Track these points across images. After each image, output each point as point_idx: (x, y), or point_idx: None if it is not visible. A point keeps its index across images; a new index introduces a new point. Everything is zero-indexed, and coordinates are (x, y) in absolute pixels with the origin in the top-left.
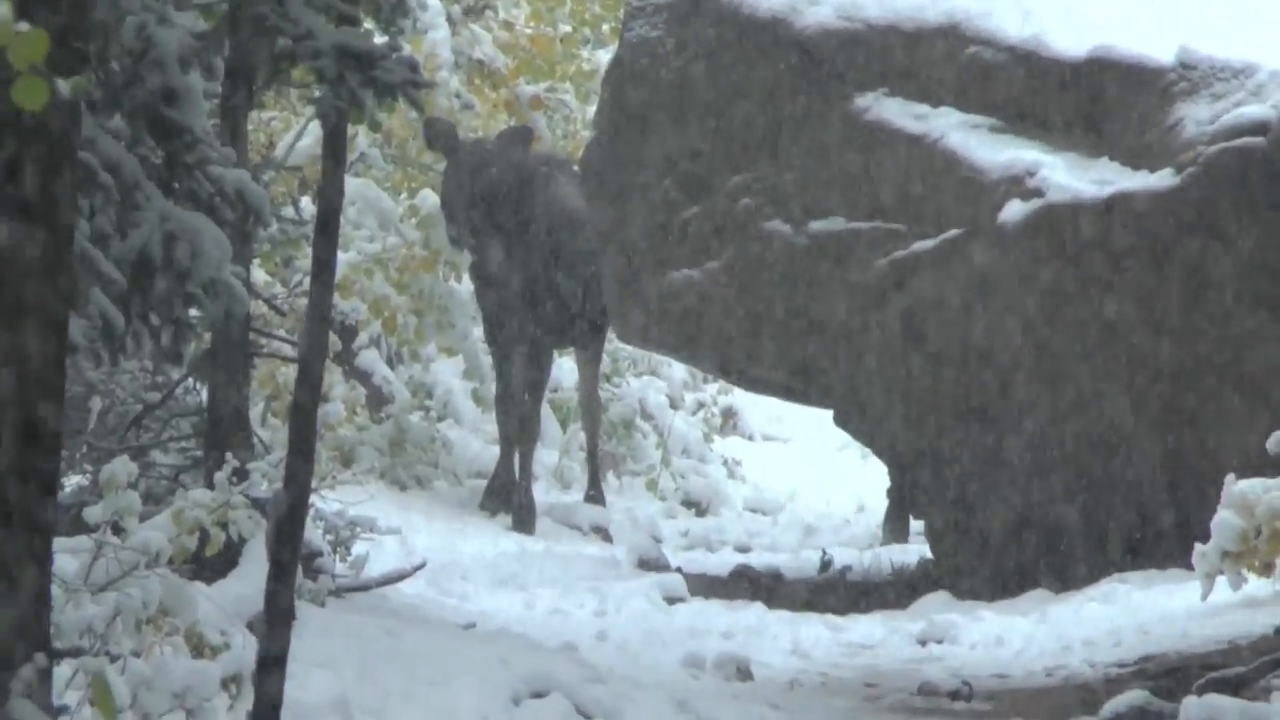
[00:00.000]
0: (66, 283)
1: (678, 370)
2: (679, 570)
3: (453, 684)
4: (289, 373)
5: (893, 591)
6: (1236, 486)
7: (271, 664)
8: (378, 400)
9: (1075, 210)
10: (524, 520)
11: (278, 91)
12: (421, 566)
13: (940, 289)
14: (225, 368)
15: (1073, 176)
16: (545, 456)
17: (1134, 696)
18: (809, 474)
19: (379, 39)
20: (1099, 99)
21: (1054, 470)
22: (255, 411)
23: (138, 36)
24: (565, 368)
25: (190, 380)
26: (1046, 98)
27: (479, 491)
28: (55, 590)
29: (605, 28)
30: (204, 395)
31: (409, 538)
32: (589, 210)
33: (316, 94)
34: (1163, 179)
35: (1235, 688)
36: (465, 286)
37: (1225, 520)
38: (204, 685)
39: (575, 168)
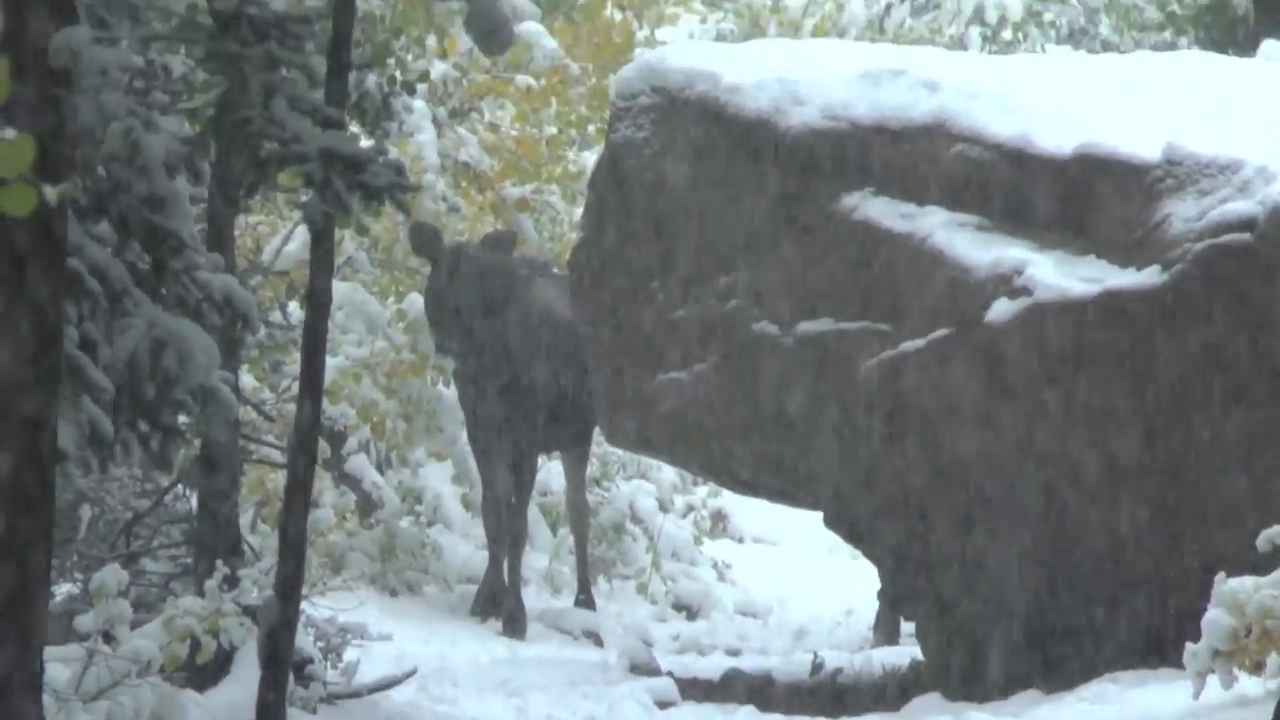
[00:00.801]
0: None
1: (667, 473)
2: (670, 674)
3: None
4: (278, 479)
5: (884, 694)
6: (1227, 585)
7: None
8: (367, 506)
9: (1063, 309)
10: (514, 625)
11: (264, 196)
12: (412, 673)
13: (928, 389)
14: (215, 475)
15: (1060, 275)
16: (535, 561)
17: None
18: (799, 576)
19: (365, 143)
20: (1086, 196)
21: (1044, 572)
22: (245, 518)
23: (124, 142)
24: (554, 471)
25: (180, 487)
26: (1033, 195)
27: (469, 597)
28: (47, 700)
29: (591, 129)
30: (193, 502)
31: (400, 644)
32: (576, 312)
33: (303, 198)
34: (1150, 276)
35: None
36: (453, 391)
37: (1216, 619)
38: None
39: (556, 270)
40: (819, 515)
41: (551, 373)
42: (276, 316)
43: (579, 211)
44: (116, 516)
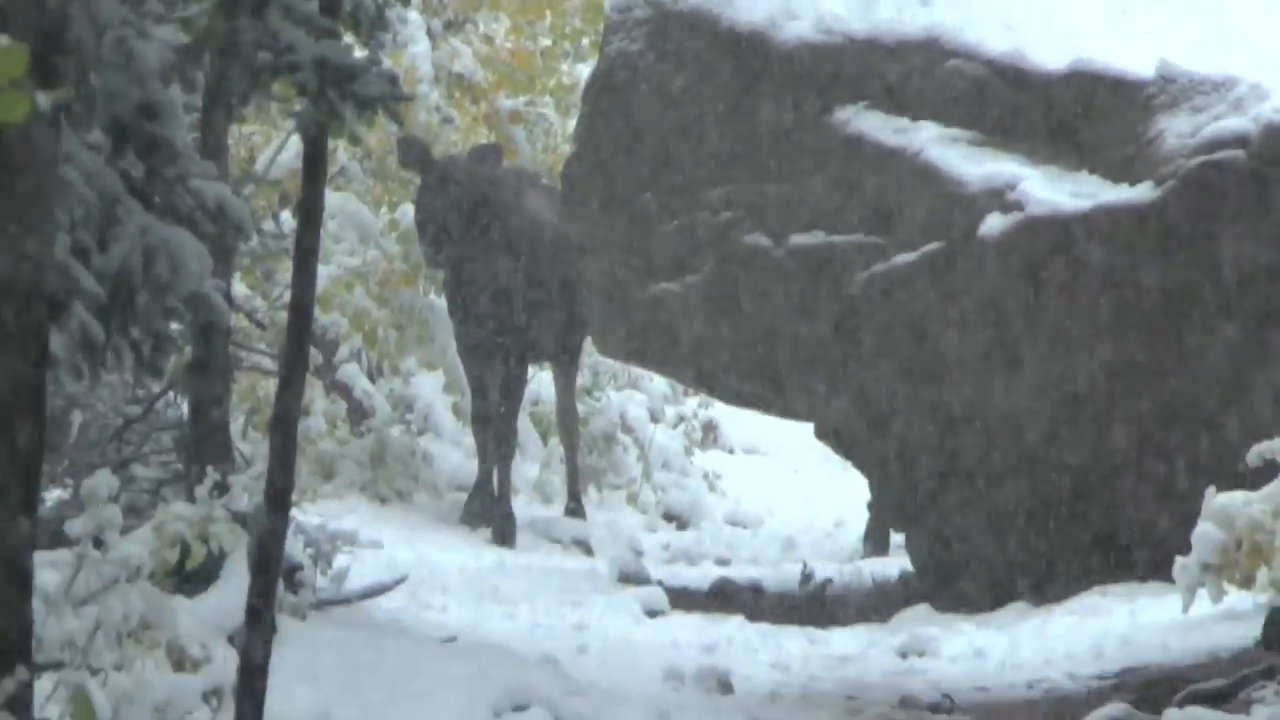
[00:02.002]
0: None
1: (658, 384)
2: (660, 584)
3: (434, 697)
4: (269, 386)
5: (873, 605)
6: (1217, 499)
7: (253, 677)
8: (358, 414)
9: (1055, 223)
10: (504, 534)
11: (258, 106)
12: (402, 580)
13: (920, 302)
14: (206, 381)
15: (1053, 190)
16: (525, 470)
17: (1115, 709)
18: (790, 487)
19: (359, 53)
20: (1079, 112)
21: (1035, 483)
22: (236, 425)
23: (117, 50)
24: (544, 381)
25: (171, 394)
26: (1027, 111)
27: (460, 505)
28: (36, 603)
29: (585, 41)
30: (185, 409)
31: (390, 551)
32: (568, 224)
33: (297, 108)
34: (1143, 192)
35: (1216, 701)
36: (444, 301)
37: (1206, 533)
38: (185, 699)
39: (545, 181)
40: (809, 426)
41: (540, 283)
42: (269, 225)
43: (573, 124)
44: (107, 423)
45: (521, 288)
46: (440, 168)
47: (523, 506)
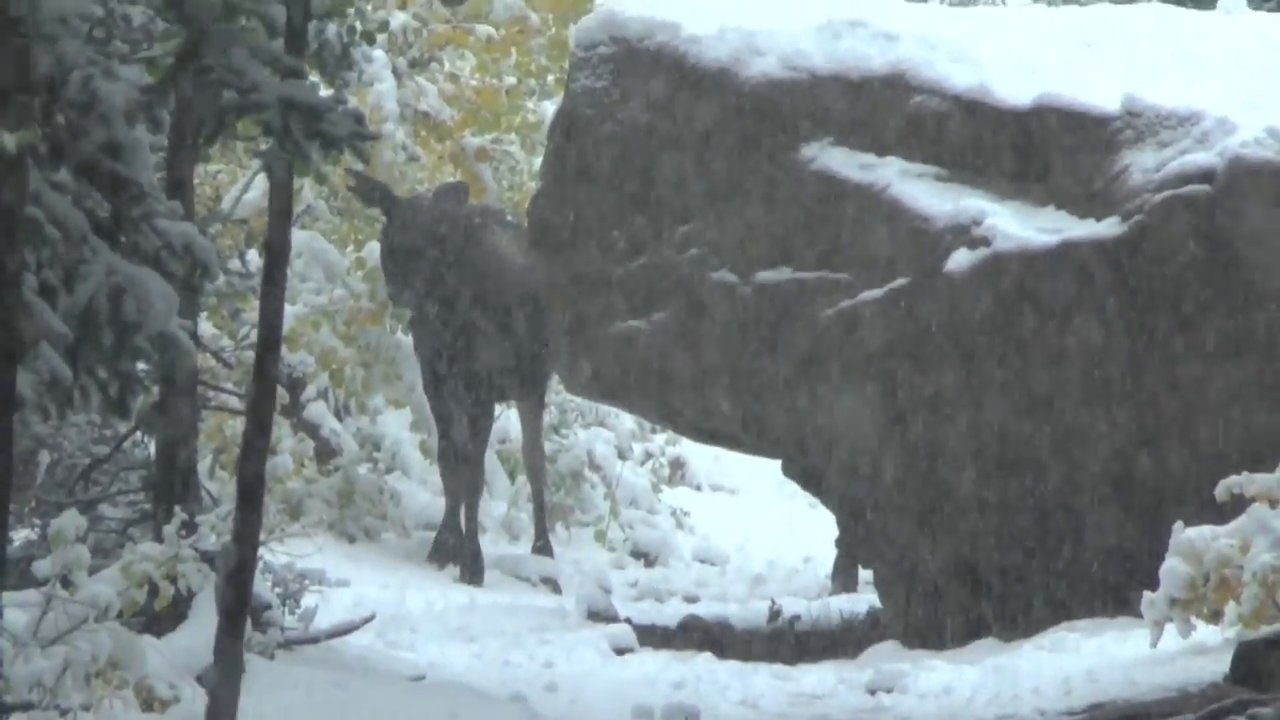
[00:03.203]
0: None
1: (625, 420)
2: (628, 621)
3: None
4: (236, 426)
5: (842, 641)
6: (1185, 534)
7: (221, 717)
8: (326, 453)
9: (1022, 259)
10: (472, 572)
11: (223, 144)
12: (370, 619)
13: (887, 338)
14: (173, 421)
15: (1019, 225)
16: (493, 508)
17: None
18: (758, 524)
19: (324, 92)
20: (1045, 147)
21: (1002, 519)
22: (203, 464)
23: (83, 90)
24: (512, 419)
25: (138, 434)
26: (992, 146)
27: (427, 543)
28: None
29: (550, 79)
30: (152, 449)
31: (357, 590)
32: (535, 261)
33: (262, 147)
34: (1109, 227)
35: None
36: (411, 338)
37: (1174, 568)
38: None
39: (510, 218)
40: (777, 463)
41: (506, 321)
42: (236, 264)
43: (538, 161)
44: (75, 462)
45: (487, 326)
46: (406, 207)
47: (490, 544)
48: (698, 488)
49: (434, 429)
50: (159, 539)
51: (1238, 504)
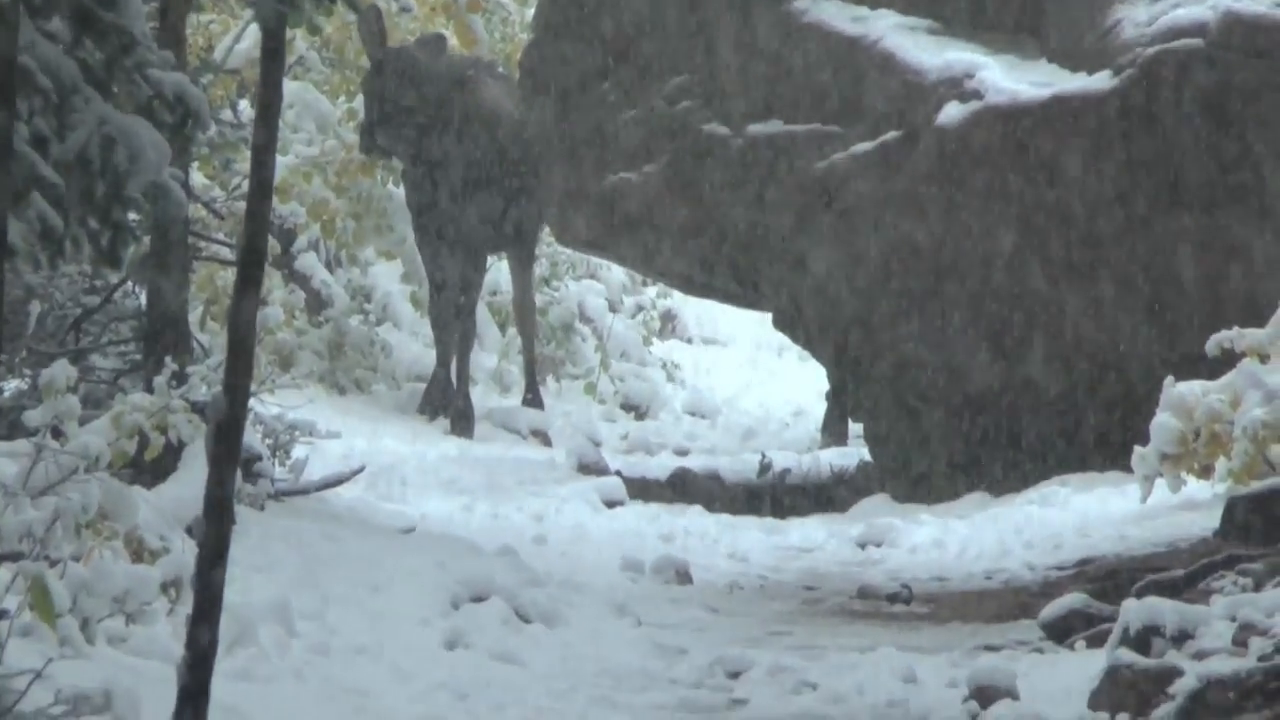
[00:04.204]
0: (5, 185)
1: (616, 273)
2: (618, 474)
3: (393, 588)
4: (227, 276)
5: (832, 495)
6: (1175, 389)
7: (211, 568)
8: (316, 304)
9: (1014, 112)
10: (462, 424)
11: None
12: (360, 470)
13: (879, 190)
14: (164, 271)
15: (1011, 79)
16: (484, 360)
17: (1073, 599)
18: (748, 377)
19: None
20: (1038, 1)
21: (994, 373)
22: (194, 315)
23: None
24: (504, 271)
25: (129, 284)
26: (986, 0)
27: (418, 395)
28: None
29: None
30: (143, 299)
31: (348, 441)
32: (527, 113)
33: None
34: (1101, 81)
35: (1175, 590)
36: (403, 190)
37: (1164, 423)
38: (144, 589)
39: (501, 69)
40: (768, 317)
41: (497, 174)
42: (227, 114)
43: (530, 13)
44: (66, 313)
45: (478, 178)
46: (394, 56)
47: (481, 396)
48: (688, 341)
49: (424, 281)
50: (149, 390)
51: (1230, 359)
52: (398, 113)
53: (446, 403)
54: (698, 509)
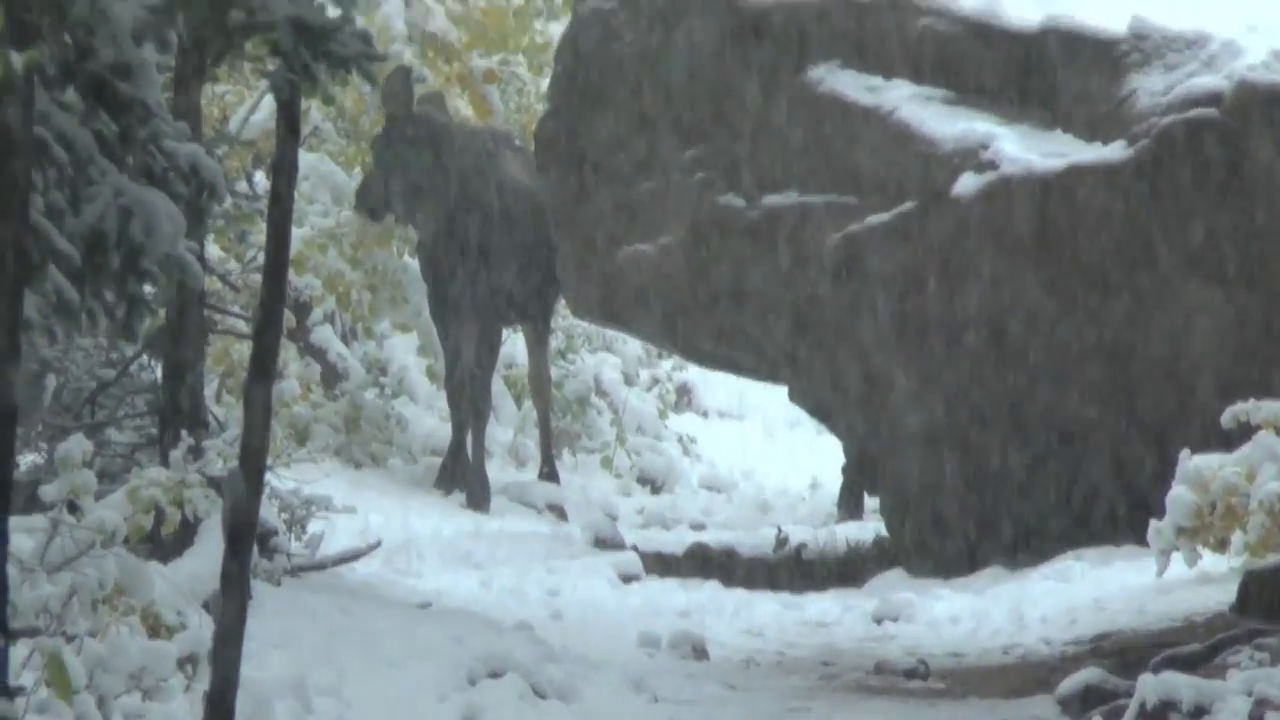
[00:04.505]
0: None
1: (632, 346)
2: (634, 548)
3: (409, 664)
4: (243, 349)
5: (848, 569)
6: (1191, 462)
7: (228, 643)
8: (332, 377)
9: (1029, 183)
10: (478, 498)
11: (231, 65)
12: (377, 545)
13: (895, 262)
14: (180, 344)
15: (1026, 149)
16: (500, 434)
17: (1089, 674)
18: (764, 451)
19: (332, 12)
20: (1052, 70)
21: (1009, 446)
22: (210, 389)
23: (91, 10)
24: (519, 344)
25: (145, 357)
26: (1000, 69)
27: (434, 469)
28: (11, 570)
29: (558, 0)
30: (159, 372)
31: (364, 516)
32: (542, 184)
33: (270, 68)
34: (1116, 151)
35: (1192, 665)
36: (419, 262)
37: (1180, 496)
38: (160, 665)
39: (518, 141)
40: (783, 390)
41: (514, 245)
42: (243, 186)
43: (546, 83)
44: (81, 386)
45: (494, 250)
46: (411, 124)
47: (497, 470)
48: (704, 414)
49: (440, 353)
50: (166, 464)
51: (1245, 431)
52: (414, 180)
53: (463, 477)
54: (714, 584)
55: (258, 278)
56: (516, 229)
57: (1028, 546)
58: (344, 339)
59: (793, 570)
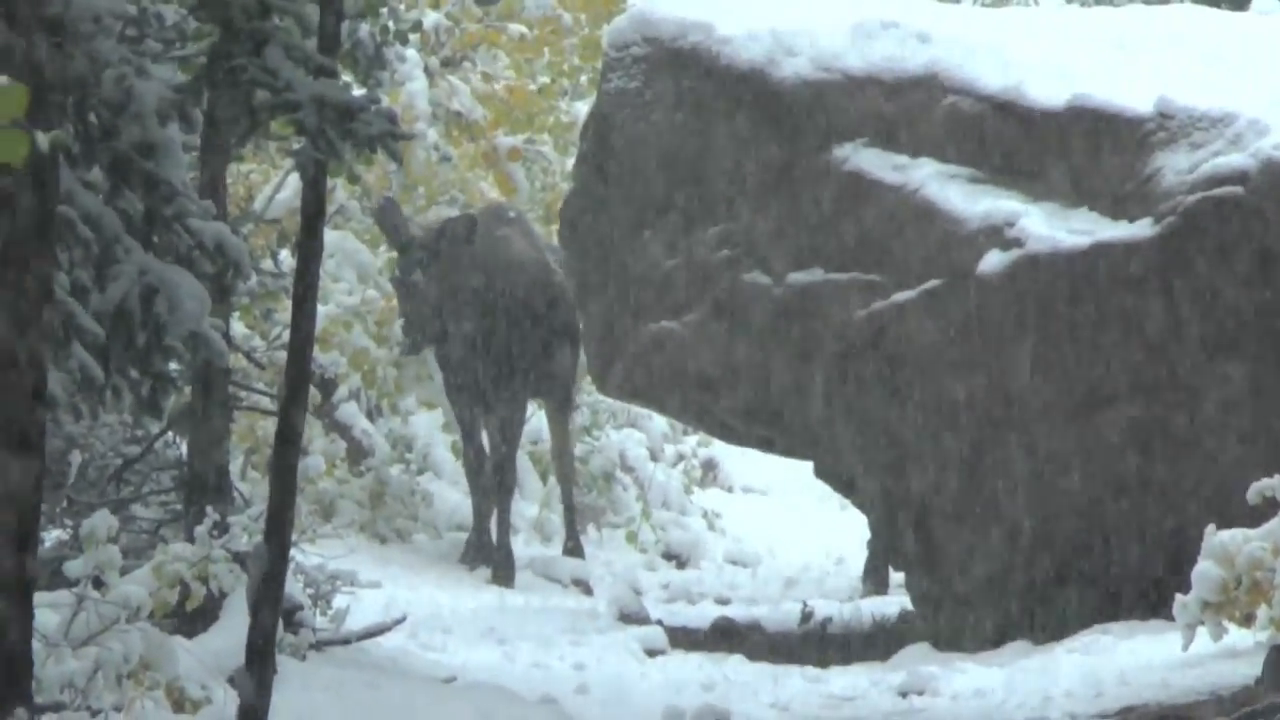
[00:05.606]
0: (46, 336)
1: (658, 422)
2: (659, 623)
3: None
4: (268, 426)
5: (873, 643)
6: (1217, 537)
7: (252, 718)
8: (357, 453)
9: (1055, 260)
10: (503, 573)
11: (256, 144)
12: (402, 620)
13: (920, 340)
14: (205, 421)
15: (1052, 226)
16: (525, 509)
17: None
18: (789, 526)
19: (357, 91)
20: (1078, 149)
21: (1035, 521)
22: (235, 465)
23: (116, 89)
24: (545, 419)
25: (170, 434)
26: (1025, 148)
27: (459, 544)
28: (36, 645)
29: (584, 79)
30: (184, 449)
31: (389, 591)
32: (566, 262)
33: (295, 146)
34: (1142, 229)
35: None
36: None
37: (1206, 571)
38: None
39: (513, 214)
40: (809, 465)
41: (528, 323)
42: (268, 264)
43: (571, 162)
44: (107, 463)
45: (507, 327)
46: (414, 239)
47: (522, 545)
48: (729, 489)
49: None
50: (191, 539)
51: (1271, 507)
52: (435, 300)
53: (488, 552)
54: (739, 658)
55: (283, 355)
56: (525, 306)
57: (1053, 620)
58: (369, 415)
59: (818, 644)
